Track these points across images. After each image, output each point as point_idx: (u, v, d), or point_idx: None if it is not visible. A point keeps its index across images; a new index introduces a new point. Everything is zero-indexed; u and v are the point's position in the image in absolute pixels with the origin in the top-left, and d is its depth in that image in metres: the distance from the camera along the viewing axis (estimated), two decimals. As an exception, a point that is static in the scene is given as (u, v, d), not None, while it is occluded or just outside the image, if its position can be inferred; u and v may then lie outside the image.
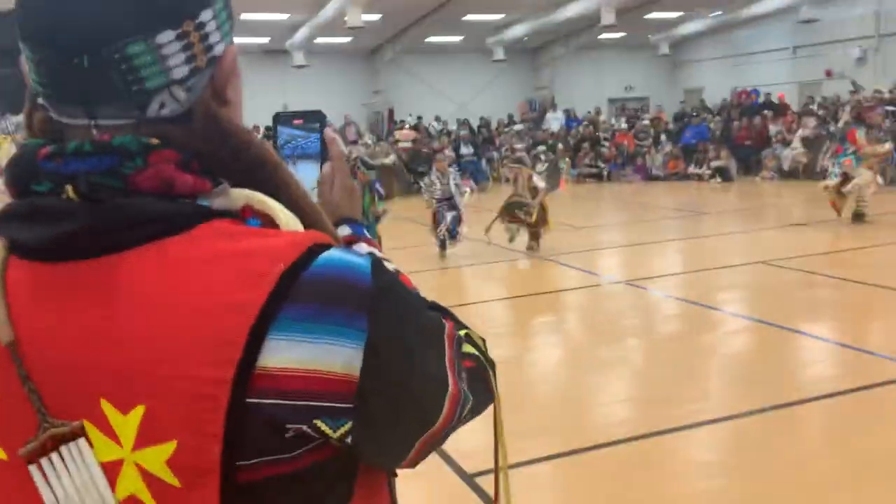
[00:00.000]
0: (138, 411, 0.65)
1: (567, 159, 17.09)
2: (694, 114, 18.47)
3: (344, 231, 0.96)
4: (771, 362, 4.45)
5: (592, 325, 5.52)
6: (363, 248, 0.93)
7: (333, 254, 0.69)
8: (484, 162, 17.75)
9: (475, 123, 20.41)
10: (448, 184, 7.86)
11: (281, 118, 1.00)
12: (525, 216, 7.99)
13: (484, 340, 0.88)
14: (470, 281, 7.06)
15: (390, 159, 5.36)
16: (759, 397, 3.87)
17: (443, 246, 7.91)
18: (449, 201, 7.85)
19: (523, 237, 8.25)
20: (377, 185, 5.83)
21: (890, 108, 14.40)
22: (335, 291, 0.67)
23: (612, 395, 4.10)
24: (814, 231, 8.77)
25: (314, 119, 1.01)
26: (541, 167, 8.31)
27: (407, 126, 18.61)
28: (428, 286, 6.81)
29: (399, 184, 15.87)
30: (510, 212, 8.02)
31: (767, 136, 15.82)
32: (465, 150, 17.40)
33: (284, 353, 0.65)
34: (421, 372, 0.72)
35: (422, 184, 8.19)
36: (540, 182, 8.02)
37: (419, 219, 9.84)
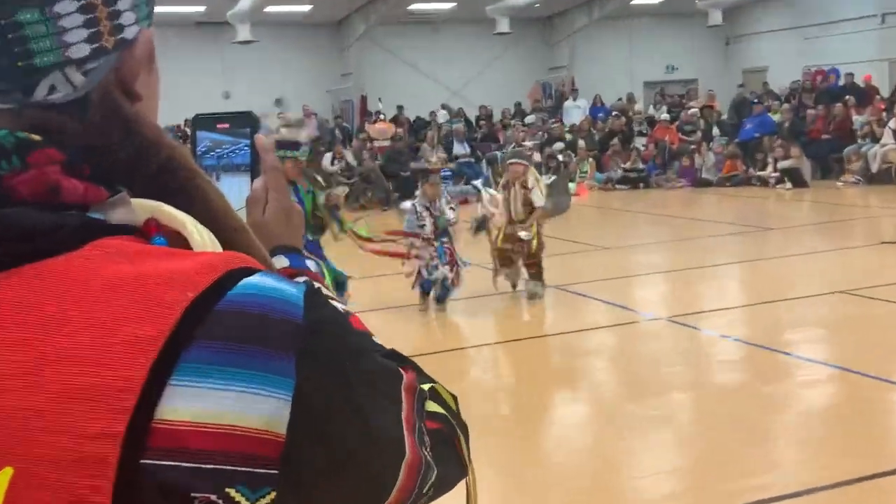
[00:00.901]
0: (5, 474, 0.65)
1: (591, 160, 17.27)
2: (755, 101, 18.71)
3: (280, 263, 0.98)
4: (858, 422, 4.48)
5: (627, 375, 5.55)
6: None
7: (257, 280, 0.70)
8: (484, 165, 17.90)
9: (473, 115, 20.61)
10: (440, 216, 6.97)
11: (201, 121, 1.03)
12: (517, 251, 7.38)
13: (455, 398, 0.90)
14: (469, 317, 7.10)
15: (305, 134, 4.94)
16: (843, 467, 3.90)
17: (424, 294, 7.14)
18: (440, 243, 6.98)
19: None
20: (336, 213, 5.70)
21: None
22: (256, 327, 0.68)
23: (652, 464, 4.13)
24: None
25: (243, 122, 1.03)
26: (546, 179, 7.86)
27: (382, 118, 18.78)
28: (414, 324, 6.84)
29: (375, 193, 15.95)
30: (504, 256, 7.42)
31: (850, 128, 16.02)
32: (460, 148, 17.55)
33: (190, 403, 0.65)
34: (368, 431, 0.72)
35: (401, 210, 7.32)
36: (538, 198, 7.33)
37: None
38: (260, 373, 0.67)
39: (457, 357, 6.19)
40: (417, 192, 7.32)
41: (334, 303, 0.87)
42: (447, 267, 6.99)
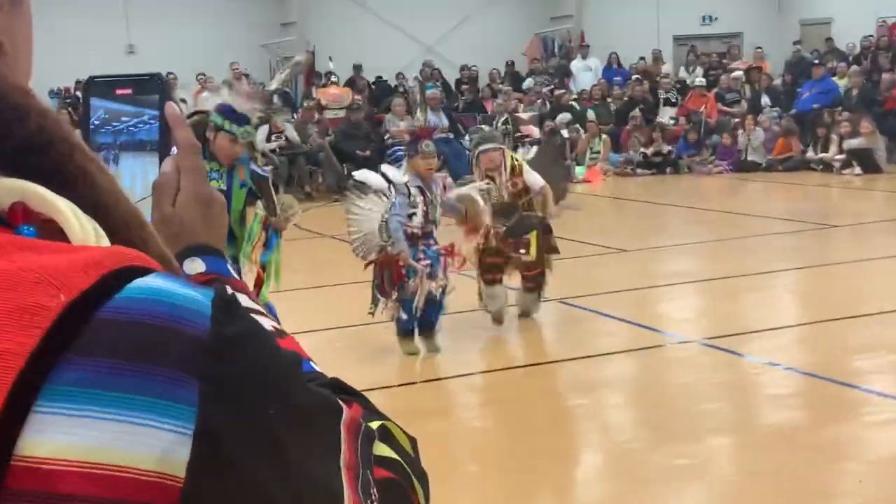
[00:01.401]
0: None
1: (605, 137, 17.38)
2: (816, 62, 18.89)
3: (192, 267, 0.99)
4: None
5: (650, 414, 5.60)
6: None
7: (152, 283, 0.70)
8: (467, 141, 17.96)
9: (452, 77, 20.65)
10: (429, 204, 6.50)
11: (95, 86, 1.04)
12: (514, 258, 7.22)
13: (414, 441, 0.91)
14: (450, 339, 7.12)
15: (253, 106, 4.68)
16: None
17: (407, 333, 6.70)
18: (426, 246, 6.54)
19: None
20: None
21: None
22: (149, 340, 0.67)
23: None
24: None
25: (149, 87, 1.04)
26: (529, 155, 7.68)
27: (335, 82, 18.78)
28: (374, 348, 6.85)
29: (325, 178, 15.96)
30: (490, 267, 7.18)
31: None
32: (435, 120, 17.56)
33: (61, 436, 0.65)
34: (292, 478, 0.72)
35: (355, 203, 6.60)
36: (537, 179, 7.23)
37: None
38: (152, 398, 0.66)
39: (433, 391, 6.22)
40: (400, 168, 6.70)
41: (258, 318, 0.88)
42: (432, 281, 6.49)
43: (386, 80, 20.18)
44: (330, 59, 19.79)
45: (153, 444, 0.66)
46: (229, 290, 0.89)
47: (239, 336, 0.72)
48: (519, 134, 17.59)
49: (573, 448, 5.33)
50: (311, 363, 0.96)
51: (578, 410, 5.81)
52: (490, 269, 7.19)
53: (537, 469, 4.91)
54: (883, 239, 10.38)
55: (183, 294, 0.70)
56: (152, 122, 1.03)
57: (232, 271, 1.03)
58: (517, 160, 7.46)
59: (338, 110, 17.33)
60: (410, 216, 6.41)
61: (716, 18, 24.02)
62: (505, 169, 7.19)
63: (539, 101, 18.95)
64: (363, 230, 6.48)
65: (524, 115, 18.13)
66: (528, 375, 6.41)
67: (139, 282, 0.70)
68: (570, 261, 9.82)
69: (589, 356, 6.66)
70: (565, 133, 16.99)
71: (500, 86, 19.90)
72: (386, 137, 16.65)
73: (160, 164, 1.03)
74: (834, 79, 17.88)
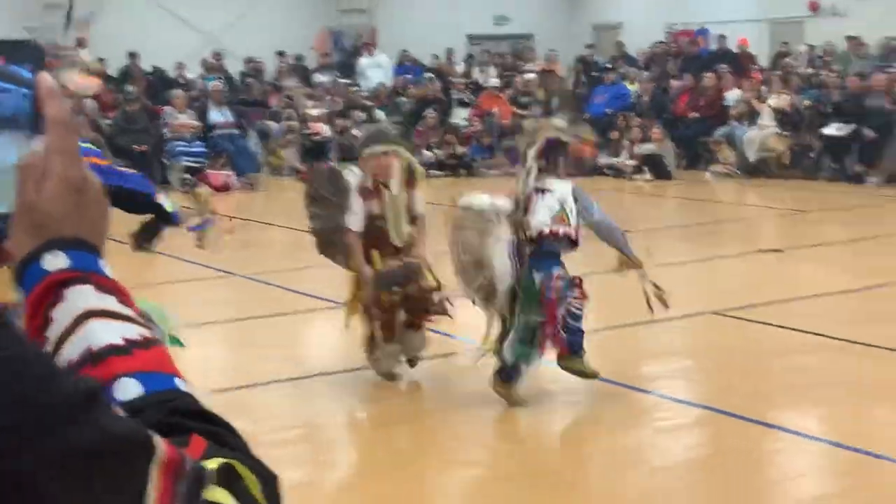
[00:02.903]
0: None
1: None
2: (608, 66, 19.63)
3: (54, 262, 0.93)
4: (729, 475, 4.85)
5: (439, 418, 5.68)
6: (86, 295, 0.92)
7: None
8: (252, 138, 17.77)
9: (237, 69, 20.38)
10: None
11: None
12: (414, 303, 6.09)
13: (269, 481, 0.86)
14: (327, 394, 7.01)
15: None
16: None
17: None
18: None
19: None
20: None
21: None
22: None
23: None
24: (796, 261, 9.64)
25: (24, 55, 0.98)
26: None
27: (86, 69, 18.09)
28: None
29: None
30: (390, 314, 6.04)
31: (722, 105, 17.13)
32: (218, 115, 17.32)
33: None
34: None
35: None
36: (422, 205, 6.23)
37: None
38: None
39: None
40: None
41: (112, 323, 0.85)
42: None
43: (165, 71, 19.71)
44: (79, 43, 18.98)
45: None
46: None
47: None
48: (307, 132, 17.54)
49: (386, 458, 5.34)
50: (175, 380, 0.92)
51: (368, 418, 5.81)
52: (389, 311, 6.05)
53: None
54: (672, 245, 10.90)
55: None
56: (18, 95, 0.96)
57: (104, 269, 0.96)
58: (416, 167, 6.36)
59: (84, 93, 16.55)
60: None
61: (509, 19, 24.56)
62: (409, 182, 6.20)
63: (329, 97, 18.93)
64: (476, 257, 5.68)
65: (314, 112, 18.08)
66: (316, 384, 6.40)
67: None
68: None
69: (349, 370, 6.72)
70: (357, 131, 17.03)
71: (288, 81, 19.76)
72: (165, 132, 16.28)
73: (29, 143, 0.96)
74: (624, 84, 18.59)
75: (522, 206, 5.63)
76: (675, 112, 17.49)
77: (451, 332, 7.57)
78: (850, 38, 18.38)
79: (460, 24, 23.62)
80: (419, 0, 23.37)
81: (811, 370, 6.36)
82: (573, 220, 5.67)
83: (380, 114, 18.10)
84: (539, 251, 5.64)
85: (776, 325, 7.10)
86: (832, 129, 15.21)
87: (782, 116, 15.84)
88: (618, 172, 16.40)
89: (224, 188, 15.38)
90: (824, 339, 6.92)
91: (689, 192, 15.15)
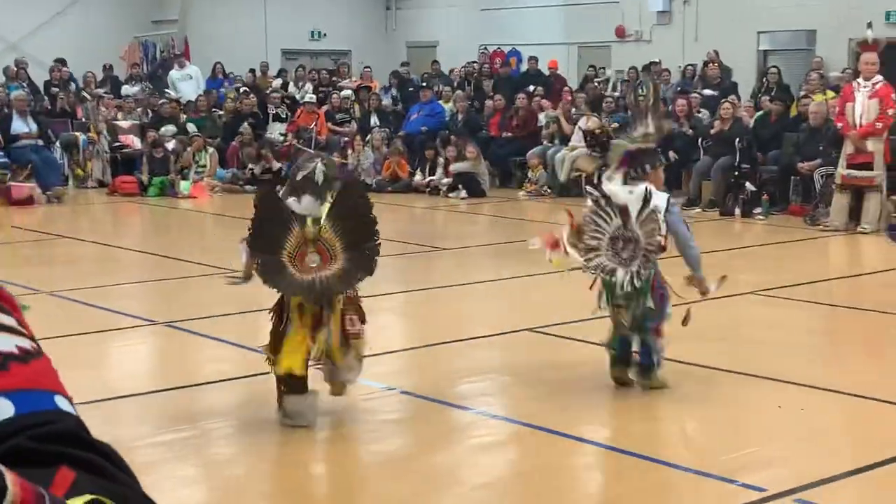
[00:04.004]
0: None
1: (212, 151, 17.26)
2: (423, 83, 19.82)
3: None
4: (543, 491, 4.92)
5: (264, 440, 5.62)
6: None
7: None
8: (58, 148, 17.13)
9: (42, 78, 19.68)
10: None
11: None
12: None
13: None
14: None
15: None
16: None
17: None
18: None
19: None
20: None
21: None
22: None
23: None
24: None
25: None
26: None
27: None
28: None
29: None
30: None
31: (535, 126, 17.53)
32: (21, 125, 16.64)
33: None
34: None
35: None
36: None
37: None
38: None
39: None
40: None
41: None
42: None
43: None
44: None
45: None
46: None
47: None
48: (118, 144, 17.06)
49: (172, 486, 5.20)
50: (56, 398, 0.86)
51: (182, 443, 5.66)
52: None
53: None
54: (487, 263, 11.06)
55: None
56: None
57: None
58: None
59: None
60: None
61: (325, 34, 24.58)
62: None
63: (139, 109, 18.46)
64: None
65: (124, 124, 17.59)
66: (123, 406, 6.20)
67: None
68: (174, 282, 9.68)
69: (195, 384, 6.56)
70: (172, 145, 16.69)
71: (98, 90, 19.19)
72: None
73: None
74: (439, 102, 18.81)
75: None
76: (489, 131, 17.78)
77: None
78: (652, 64, 19.11)
79: (276, 38, 23.47)
80: (234, 12, 23.09)
81: (622, 386, 6.52)
82: (663, 229, 5.94)
83: (192, 127, 17.76)
84: None
85: (588, 342, 7.26)
86: (638, 151, 15.69)
87: (592, 138, 16.26)
88: (434, 190, 16.54)
89: (28, 201, 14.80)
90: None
91: (503, 211, 15.40)
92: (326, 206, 5.57)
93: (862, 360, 7.29)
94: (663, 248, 6.02)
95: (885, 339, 7.64)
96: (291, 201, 5.62)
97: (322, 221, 5.56)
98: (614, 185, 6.01)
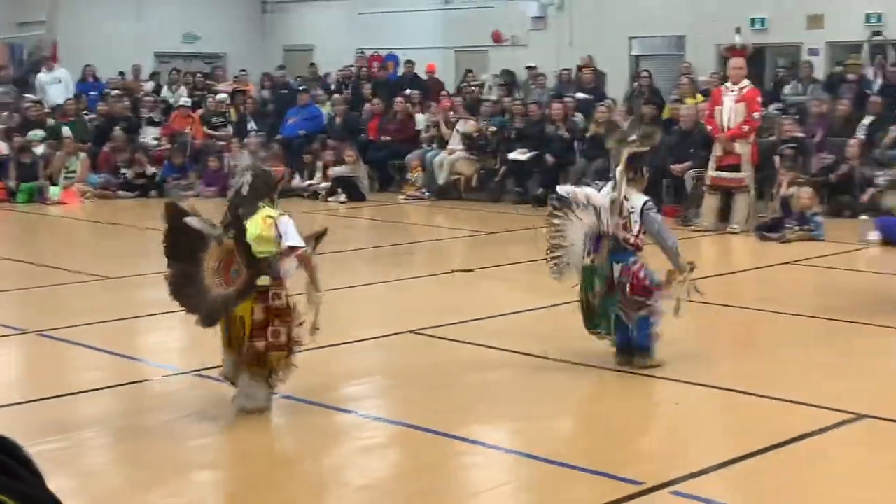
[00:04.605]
0: None
1: (84, 156, 16.90)
2: (300, 87, 19.70)
3: None
4: (427, 493, 4.94)
5: (141, 449, 5.51)
6: None
7: None
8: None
9: None
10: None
11: None
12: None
13: None
14: None
15: None
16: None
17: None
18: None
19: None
20: None
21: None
22: None
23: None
24: (485, 281, 10.00)
25: None
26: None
27: None
28: None
29: None
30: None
31: (414, 129, 17.59)
32: None
33: None
34: None
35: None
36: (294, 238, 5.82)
37: None
38: None
39: None
40: None
41: None
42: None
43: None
44: None
45: None
46: None
47: None
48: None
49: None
50: None
51: (54, 455, 5.51)
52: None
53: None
54: (367, 267, 11.06)
55: None
56: None
57: None
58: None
59: None
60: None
61: (199, 37, 24.28)
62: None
63: (6, 113, 17.94)
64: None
65: (-2, 125, 17.10)
66: None
67: None
68: (45, 289, 9.44)
69: (68, 394, 6.42)
70: (40, 150, 16.26)
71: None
72: None
73: None
74: (317, 107, 18.73)
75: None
76: (367, 135, 17.77)
77: (145, 357, 7.36)
78: (529, 68, 19.39)
79: (148, 41, 23.09)
80: (104, 14, 22.64)
81: (502, 384, 6.60)
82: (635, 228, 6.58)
83: (66, 130, 17.35)
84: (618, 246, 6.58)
85: (469, 343, 7.32)
86: (516, 154, 15.93)
87: (470, 141, 16.42)
88: (313, 194, 16.46)
89: None
90: (514, 354, 7.20)
91: (383, 215, 15.42)
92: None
93: (734, 355, 7.51)
94: (639, 248, 6.64)
95: (756, 334, 7.88)
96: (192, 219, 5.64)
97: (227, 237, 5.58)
98: (596, 189, 6.81)
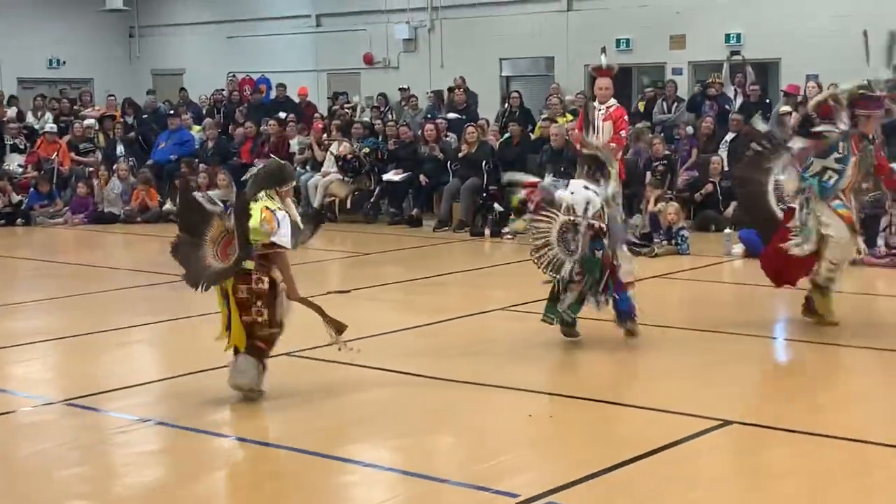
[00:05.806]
0: None
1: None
2: (171, 111, 19.46)
3: None
4: (310, 501, 4.93)
5: (8, 483, 5.35)
6: None
7: None
8: None
9: None
10: None
11: None
12: None
13: None
14: None
15: None
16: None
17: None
18: None
19: None
20: None
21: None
22: None
23: None
24: (362, 301, 10.00)
25: None
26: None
27: None
28: None
29: None
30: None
31: (289, 152, 17.51)
32: None
33: None
34: None
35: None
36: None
37: None
38: None
39: None
40: None
41: None
42: None
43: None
44: None
45: None
46: None
47: None
48: None
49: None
50: None
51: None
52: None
53: None
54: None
55: None
56: None
57: None
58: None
59: None
60: None
61: (64, 62, 23.86)
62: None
63: None
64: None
65: None
66: None
67: None
68: None
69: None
70: None
71: None
72: None
73: None
74: (188, 131, 18.52)
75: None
76: (240, 158, 17.63)
77: (9, 388, 7.17)
78: (401, 90, 19.50)
79: (10, 66, 22.60)
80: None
81: (378, 403, 6.61)
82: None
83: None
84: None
85: (345, 363, 7.31)
86: (390, 175, 15.99)
87: (344, 163, 16.42)
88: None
89: None
90: (389, 373, 7.23)
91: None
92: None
93: (603, 366, 7.66)
94: (605, 233, 7.65)
95: (628, 347, 8.03)
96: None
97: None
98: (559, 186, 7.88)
